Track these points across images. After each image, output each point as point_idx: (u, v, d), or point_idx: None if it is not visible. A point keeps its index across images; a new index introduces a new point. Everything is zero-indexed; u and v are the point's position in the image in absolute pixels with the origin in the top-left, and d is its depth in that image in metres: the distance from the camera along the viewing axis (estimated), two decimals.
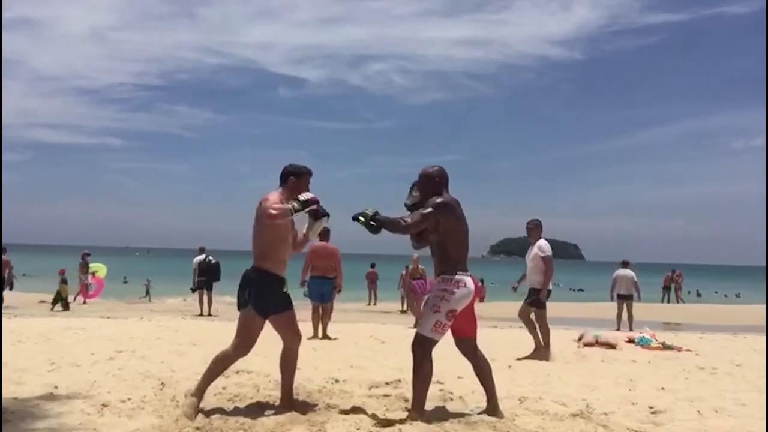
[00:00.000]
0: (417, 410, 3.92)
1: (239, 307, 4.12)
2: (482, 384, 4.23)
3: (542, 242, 7.54)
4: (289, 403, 4.29)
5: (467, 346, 4.23)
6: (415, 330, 4.20)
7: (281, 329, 4.29)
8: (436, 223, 3.99)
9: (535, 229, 7.67)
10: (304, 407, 4.23)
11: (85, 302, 18.17)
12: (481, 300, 28.83)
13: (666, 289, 27.23)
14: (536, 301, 7.33)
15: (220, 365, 4.14)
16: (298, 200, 4.06)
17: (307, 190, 4.23)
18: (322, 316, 8.93)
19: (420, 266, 12.24)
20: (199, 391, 4.10)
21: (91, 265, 18.51)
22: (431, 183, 4.13)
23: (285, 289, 4.22)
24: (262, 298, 4.07)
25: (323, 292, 8.95)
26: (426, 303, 4.11)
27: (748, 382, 6.03)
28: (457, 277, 3.98)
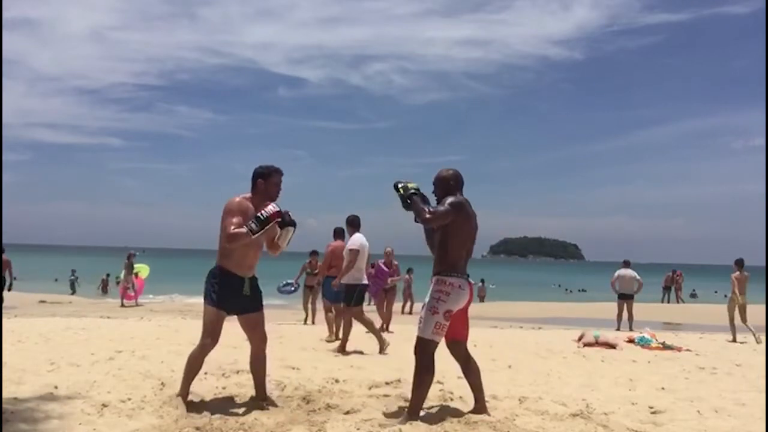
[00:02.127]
0: (412, 415, 3.92)
1: (204, 300, 4.20)
2: (471, 385, 4.25)
3: (354, 236, 7.51)
4: (263, 395, 4.40)
5: (459, 348, 4.23)
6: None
7: (247, 330, 4.34)
8: (452, 222, 4.01)
9: (349, 225, 7.64)
10: (274, 403, 4.34)
11: (122, 305, 17.61)
12: (482, 300, 28.89)
13: (666, 289, 27.24)
14: (350, 298, 7.40)
15: (194, 363, 4.22)
16: (257, 220, 4.00)
17: (279, 190, 4.24)
18: (336, 315, 8.89)
19: (394, 261, 11.50)
20: (183, 391, 4.22)
21: (135, 265, 18.27)
22: (446, 186, 4.15)
23: (246, 291, 4.20)
24: (221, 295, 4.12)
25: (339, 292, 8.93)
26: (423, 306, 4.12)
27: (748, 382, 6.03)
28: (451, 279, 3.99)
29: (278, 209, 4.06)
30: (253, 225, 3.98)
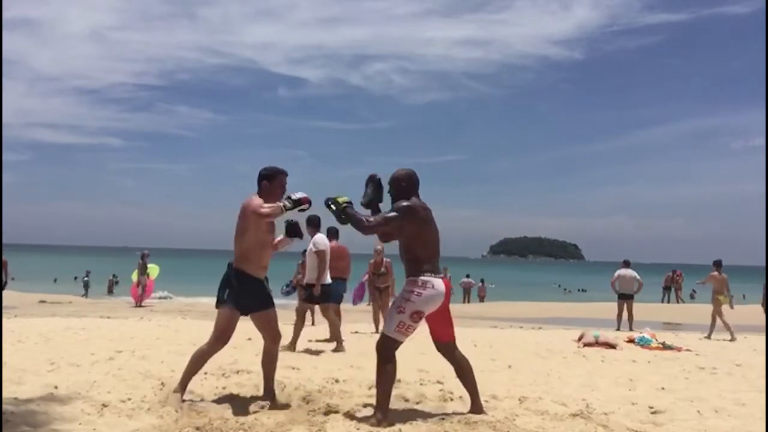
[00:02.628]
0: (381, 410, 3.87)
1: (217, 305, 4.28)
2: (464, 385, 4.27)
3: (317, 237, 7.50)
4: (270, 395, 4.41)
5: (447, 350, 4.23)
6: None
7: (262, 328, 4.38)
8: (401, 227, 4.03)
9: (309, 225, 7.50)
10: (284, 405, 4.34)
11: (139, 304, 17.41)
12: (482, 300, 28.88)
13: (666, 289, 27.23)
14: (311, 296, 7.39)
15: (200, 360, 4.30)
16: (290, 199, 4.13)
17: (284, 192, 4.30)
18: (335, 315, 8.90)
19: (386, 259, 10.80)
20: (182, 386, 4.28)
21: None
22: (398, 187, 4.16)
23: (265, 290, 4.32)
24: (242, 299, 4.20)
25: (341, 293, 8.95)
26: (392, 304, 4.14)
27: (748, 382, 6.03)
28: (422, 278, 3.96)
29: (307, 196, 4.17)
30: (287, 202, 4.10)
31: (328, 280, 7.54)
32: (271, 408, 4.23)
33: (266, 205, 4.11)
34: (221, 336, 4.24)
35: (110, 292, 27.75)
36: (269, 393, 4.44)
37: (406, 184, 4.14)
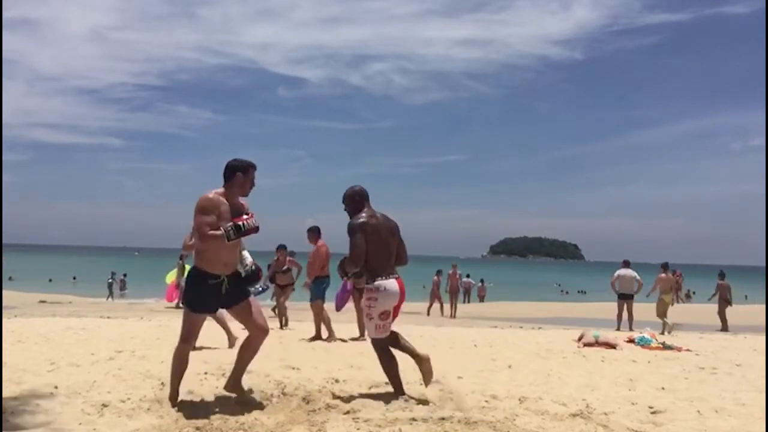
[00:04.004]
0: (397, 389, 4.66)
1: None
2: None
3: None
4: (235, 386, 4.37)
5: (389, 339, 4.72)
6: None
7: (241, 321, 4.34)
8: (363, 240, 4.51)
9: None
10: (244, 395, 4.38)
11: (178, 305, 17.08)
12: (482, 300, 28.88)
13: None
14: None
15: (176, 363, 4.30)
16: (236, 228, 4.00)
17: (253, 185, 4.25)
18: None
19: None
20: (173, 393, 4.28)
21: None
22: (353, 202, 4.74)
23: (224, 291, 4.14)
24: (192, 296, 4.19)
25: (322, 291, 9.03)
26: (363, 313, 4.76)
27: (748, 382, 6.02)
28: (376, 283, 4.54)
29: (257, 225, 4.13)
30: (231, 232, 3.99)
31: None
32: (237, 401, 4.26)
33: (209, 231, 3.96)
34: (187, 335, 4.26)
35: (122, 289, 27.68)
36: (235, 384, 4.37)
37: (359, 199, 4.73)
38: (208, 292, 4.14)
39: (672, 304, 13.74)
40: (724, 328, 14.84)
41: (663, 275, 13.38)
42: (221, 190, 4.15)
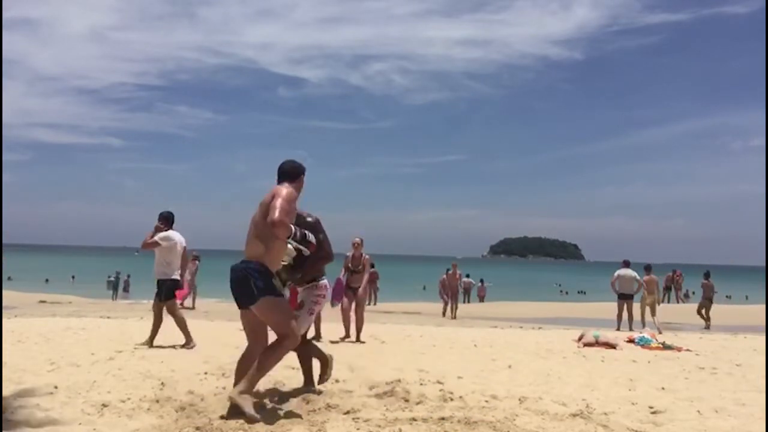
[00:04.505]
0: (324, 366, 4.82)
1: (246, 304, 3.99)
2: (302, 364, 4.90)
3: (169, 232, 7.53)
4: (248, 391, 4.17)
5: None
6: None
7: (255, 327, 4.13)
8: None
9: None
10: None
11: (193, 306, 17.05)
12: (481, 300, 28.88)
13: (667, 289, 27.22)
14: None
15: (276, 357, 4.01)
16: (304, 238, 4.11)
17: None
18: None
19: (365, 255, 10.49)
20: (251, 388, 3.93)
21: None
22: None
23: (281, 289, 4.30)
24: (274, 286, 4.00)
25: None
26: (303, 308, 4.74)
27: (748, 382, 6.02)
28: (323, 281, 4.80)
29: (315, 243, 4.24)
30: (298, 233, 4.04)
31: (175, 275, 7.50)
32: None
33: (287, 219, 3.91)
34: (291, 324, 4.06)
35: (125, 290, 27.66)
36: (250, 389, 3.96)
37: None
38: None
39: (659, 303, 14.53)
40: (707, 326, 15.67)
41: (647, 277, 14.10)
42: (292, 188, 4.11)
